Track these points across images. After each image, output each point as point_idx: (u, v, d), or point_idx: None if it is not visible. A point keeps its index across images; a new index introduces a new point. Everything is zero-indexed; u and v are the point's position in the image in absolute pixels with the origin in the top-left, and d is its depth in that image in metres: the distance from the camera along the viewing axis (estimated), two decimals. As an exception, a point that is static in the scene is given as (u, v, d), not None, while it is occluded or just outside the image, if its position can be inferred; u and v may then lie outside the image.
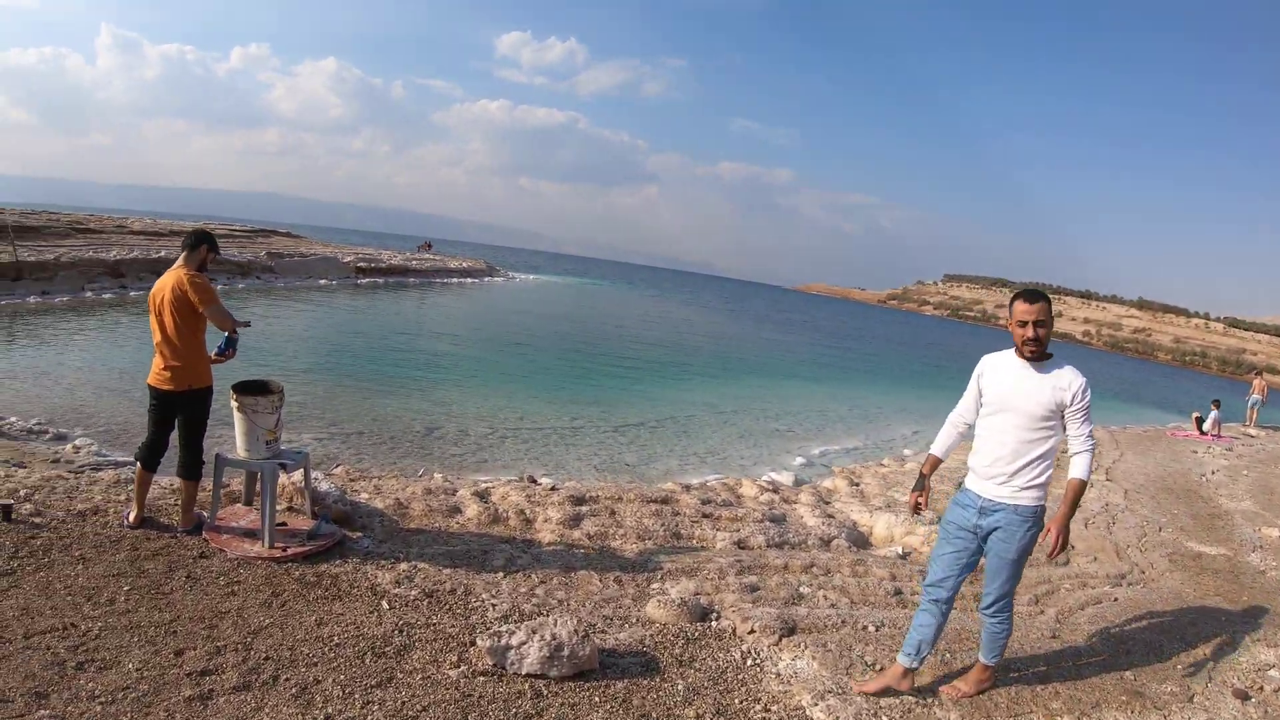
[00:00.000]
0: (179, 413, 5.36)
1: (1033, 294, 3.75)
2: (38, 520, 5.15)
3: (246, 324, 5.72)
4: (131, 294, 22.83)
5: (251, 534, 5.39)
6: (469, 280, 51.75)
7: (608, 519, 7.19)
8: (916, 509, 4.13)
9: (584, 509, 7.37)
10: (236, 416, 5.32)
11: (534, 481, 9.06)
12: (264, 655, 3.76)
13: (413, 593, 4.80)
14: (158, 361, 5.28)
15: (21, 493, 5.69)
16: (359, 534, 5.86)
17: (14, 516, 5.09)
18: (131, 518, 5.34)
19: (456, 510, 6.93)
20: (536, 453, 12.04)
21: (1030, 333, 3.67)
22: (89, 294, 21.79)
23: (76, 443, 8.97)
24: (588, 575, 5.69)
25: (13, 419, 9.71)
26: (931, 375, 37.76)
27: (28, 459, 7.70)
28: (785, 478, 11.92)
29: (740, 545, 7.01)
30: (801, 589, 5.70)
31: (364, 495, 6.83)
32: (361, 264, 40.96)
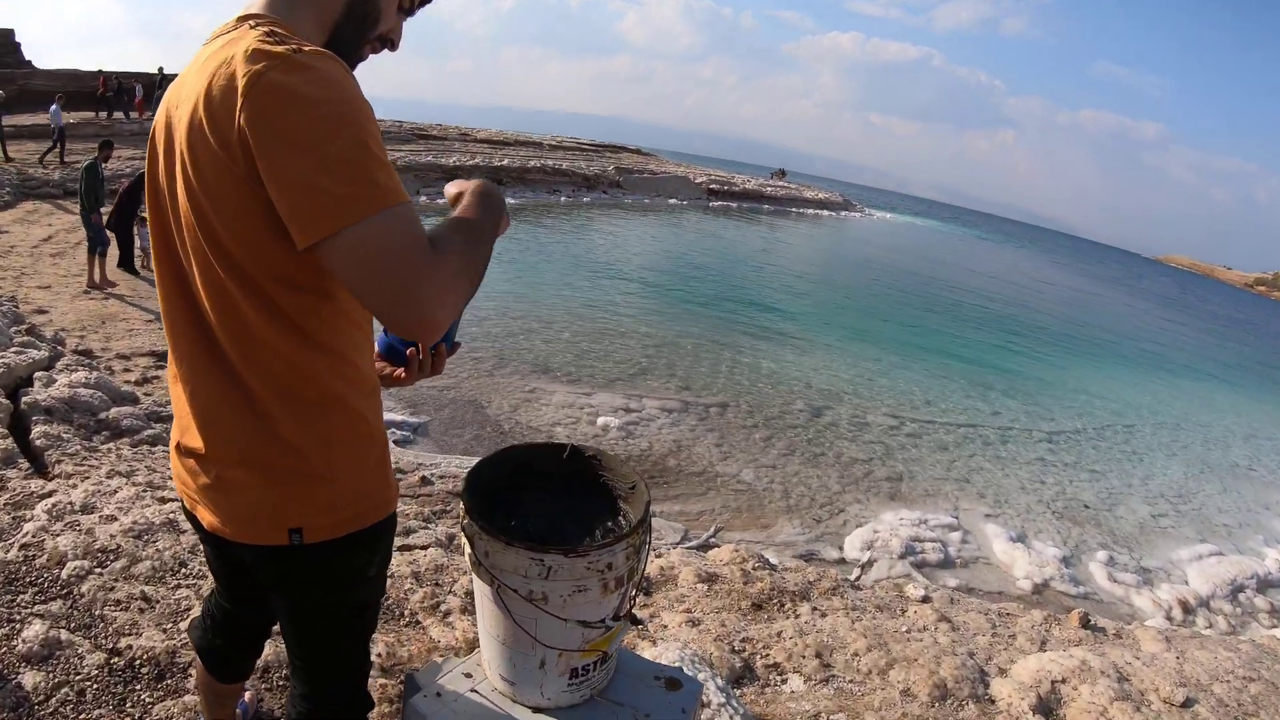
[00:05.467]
0: (275, 596, 1.40)
1: None
2: None
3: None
4: None
5: None
6: (824, 213, 48.43)
7: None
8: None
9: None
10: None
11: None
12: None
13: None
14: (179, 430, 1.34)
15: None
16: None
17: None
18: None
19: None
20: (963, 469, 9.14)
21: None
22: (423, 199, 21.15)
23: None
24: None
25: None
26: None
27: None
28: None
29: None
30: None
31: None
32: (714, 185, 38.93)
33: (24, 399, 4.30)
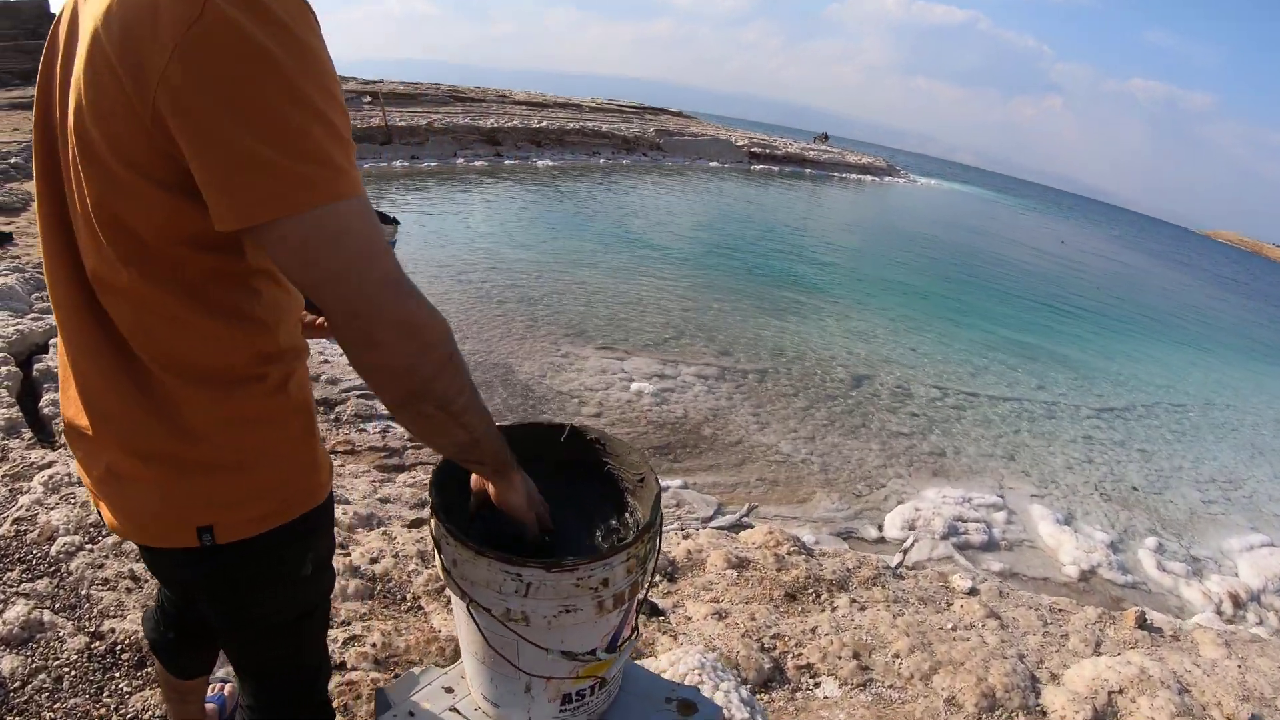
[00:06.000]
0: (199, 601, 1.21)
1: None
2: None
3: (394, 222, 2.10)
4: (506, 162, 22.20)
5: None
6: (868, 178, 47.22)
7: None
8: None
9: None
10: None
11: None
12: None
13: None
14: (66, 404, 1.08)
15: None
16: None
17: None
18: None
19: None
20: (1009, 445, 8.60)
21: None
22: (460, 160, 21.05)
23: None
24: None
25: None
26: None
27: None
28: None
29: None
30: None
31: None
32: (755, 149, 38.14)
33: (36, 366, 4.18)
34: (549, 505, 1.24)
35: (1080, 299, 20.77)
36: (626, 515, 1.36)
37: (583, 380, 7.92)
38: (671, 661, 2.03)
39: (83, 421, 1.01)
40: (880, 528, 6.11)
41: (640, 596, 1.23)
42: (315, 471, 1.11)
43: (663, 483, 5.92)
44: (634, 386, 7.91)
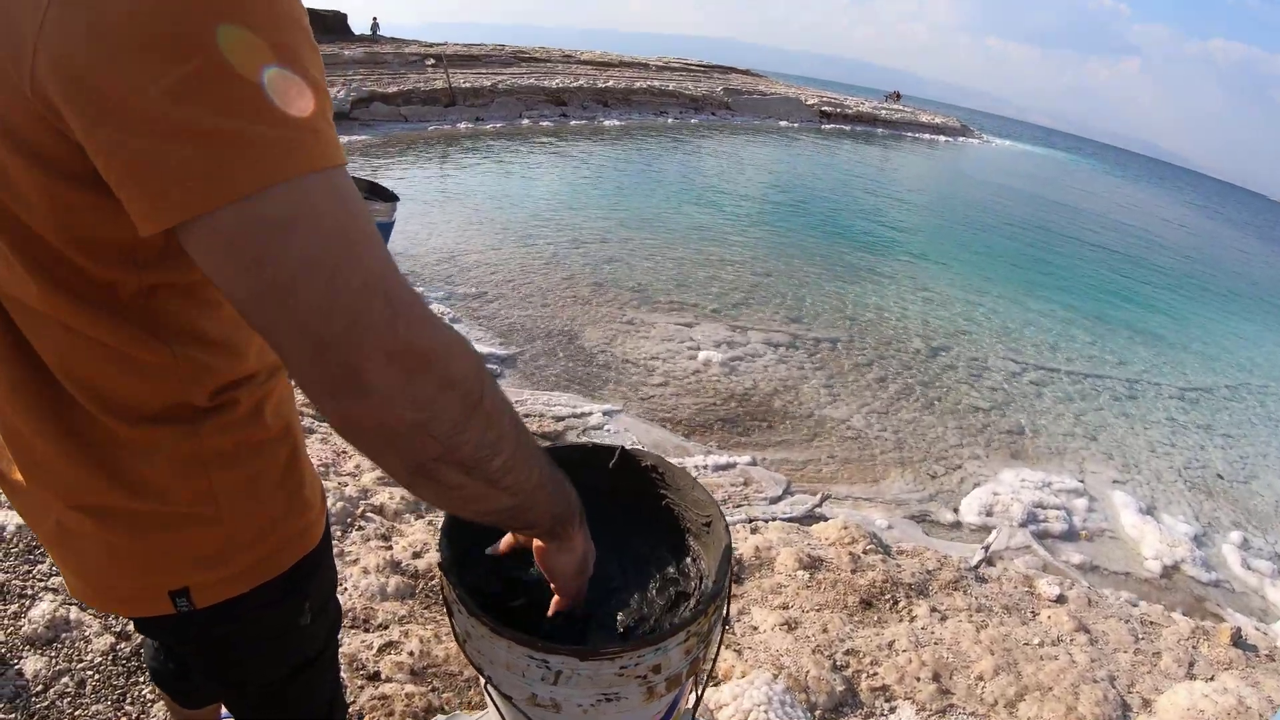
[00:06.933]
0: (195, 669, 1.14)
1: None
2: None
3: (393, 198, 1.53)
4: (572, 123, 21.89)
5: None
6: (941, 138, 45.96)
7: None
8: None
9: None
10: None
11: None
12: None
13: None
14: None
15: None
16: None
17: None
18: None
19: None
20: (1090, 425, 8.13)
21: None
22: (525, 121, 20.80)
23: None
24: None
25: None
26: None
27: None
28: None
29: None
30: None
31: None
32: (826, 108, 37.38)
33: None
34: (600, 543, 1.02)
35: (1160, 271, 19.90)
36: (687, 561, 1.13)
37: (648, 348, 7.70)
38: (734, 695, 1.81)
39: (15, 475, 0.81)
40: (956, 510, 5.81)
41: (707, 669, 1.00)
42: (304, 511, 0.90)
43: (729, 458, 5.70)
44: (701, 355, 7.66)
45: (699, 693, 1.09)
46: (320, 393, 0.55)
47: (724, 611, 1.00)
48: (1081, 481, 6.69)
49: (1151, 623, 3.60)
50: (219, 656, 0.94)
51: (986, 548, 4.61)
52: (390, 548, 2.54)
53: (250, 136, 0.50)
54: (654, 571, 1.10)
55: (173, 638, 0.90)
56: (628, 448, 1.19)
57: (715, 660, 1.01)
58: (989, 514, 5.74)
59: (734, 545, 3.03)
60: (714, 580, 0.99)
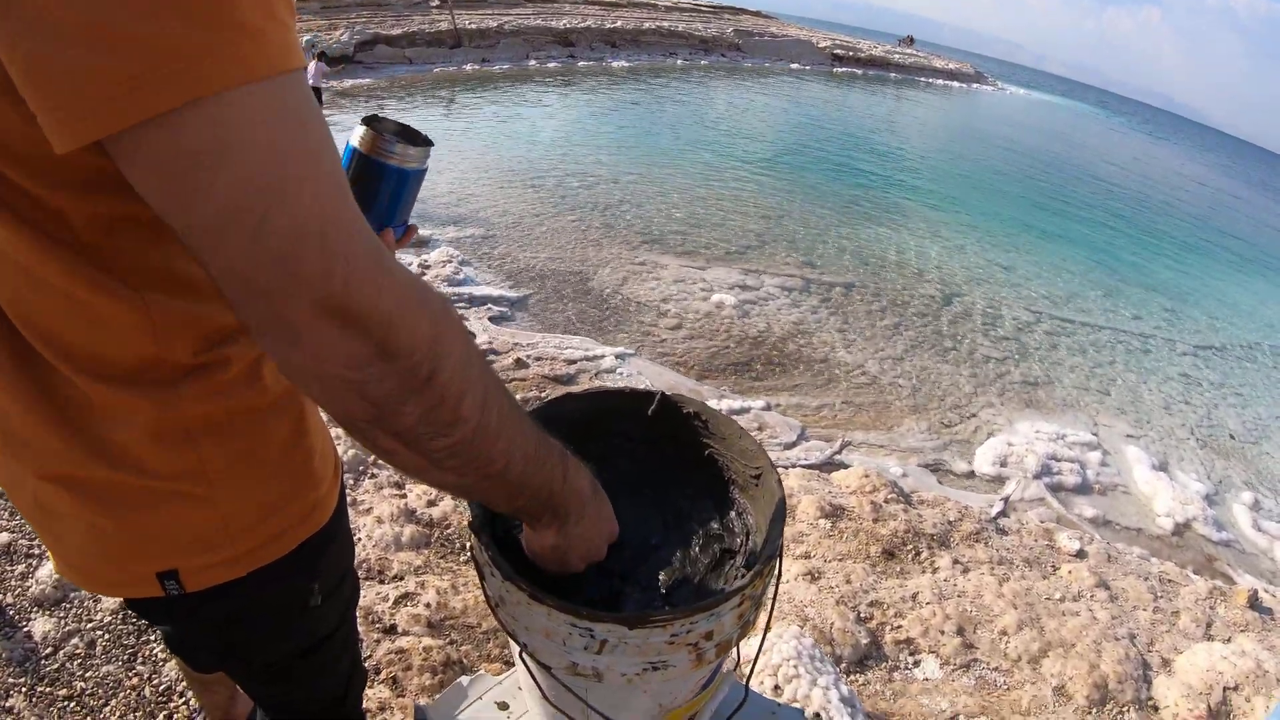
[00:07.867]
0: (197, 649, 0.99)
1: None
2: None
3: (426, 143, 0.87)
4: (580, 64, 21.71)
5: None
6: (954, 84, 45.50)
7: None
8: None
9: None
10: None
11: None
12: None
13: None
14: None
15: None
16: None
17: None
18: None
19: None
20: (1103, 378, 8.10)
21: None
22: (532, 63, 20.65)
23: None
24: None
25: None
26: None
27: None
28: None
29: None
30: None
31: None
32: (838, 51, 36.97)
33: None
34: (637, 498, 0.93)
35: (1178, 225, 19.65)
36: (731, 515, 1.04)
37: (661, 290, 7.61)
38: (763, 649, 1.76)
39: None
40: (971, 460, 5.77)
41: (751, 628, 0.93)
42: (314, 486, 0.81)
43: (744, 402, 5.63)
44: (714, 297, 7.58)
45: (737, 652, 1.03)
46: (256, 334, 0.50)
47: (777, 572, 0.92)
48: (1095, 435, 6.64)
49: (1170, 581, 3.58)
50: (216, 638, 0.87)
51: (1005, 499, 4.57)
52: (404, 496, 2.48)
53: (171, 39, 0.41)
54: (696, 527, 1.02)
55: (164, 619, 0.82)
56: (668, 393, 1.11)
57: (769, 622, 0.94)
58: (1003, 464, 5.69)
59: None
60: (765, 537, 0.92)
